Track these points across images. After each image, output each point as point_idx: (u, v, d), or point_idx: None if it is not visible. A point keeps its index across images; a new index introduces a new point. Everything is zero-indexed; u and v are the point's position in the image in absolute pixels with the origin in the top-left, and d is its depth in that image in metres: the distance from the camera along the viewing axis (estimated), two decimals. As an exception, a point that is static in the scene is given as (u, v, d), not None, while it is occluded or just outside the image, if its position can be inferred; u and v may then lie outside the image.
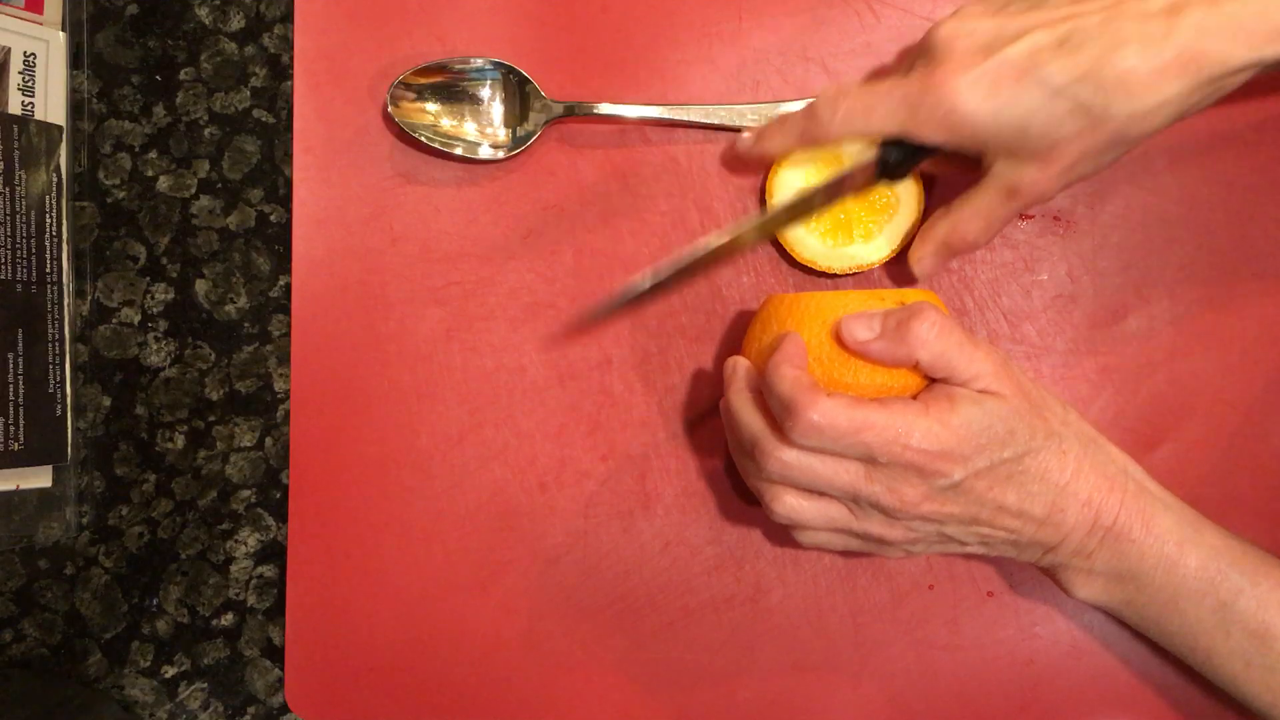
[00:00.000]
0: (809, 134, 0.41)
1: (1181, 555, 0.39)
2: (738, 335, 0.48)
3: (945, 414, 0.36)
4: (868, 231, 0.45)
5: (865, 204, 0.46)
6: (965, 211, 0.41)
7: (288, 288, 0.49)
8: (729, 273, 0.48)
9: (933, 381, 0.38)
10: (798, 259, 0.46)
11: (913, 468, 0.36)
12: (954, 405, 0.36)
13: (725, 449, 0.48)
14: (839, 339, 0.38)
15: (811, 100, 0.41)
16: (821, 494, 0.38)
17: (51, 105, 0.48)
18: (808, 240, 0.46)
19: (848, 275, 0.46)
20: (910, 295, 0.40)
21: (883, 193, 0.45)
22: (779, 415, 0.37)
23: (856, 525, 0.39)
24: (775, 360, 0.37)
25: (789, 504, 0.39)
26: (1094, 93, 0.36)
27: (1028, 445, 0.37)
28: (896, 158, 0.40)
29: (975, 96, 0.37)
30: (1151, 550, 0.39)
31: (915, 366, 0.38)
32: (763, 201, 0.47)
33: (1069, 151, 0.38)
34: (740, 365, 0.41)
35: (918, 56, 0.40)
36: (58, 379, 0.48)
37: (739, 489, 0.48)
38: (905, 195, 0.45)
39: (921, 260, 0.43)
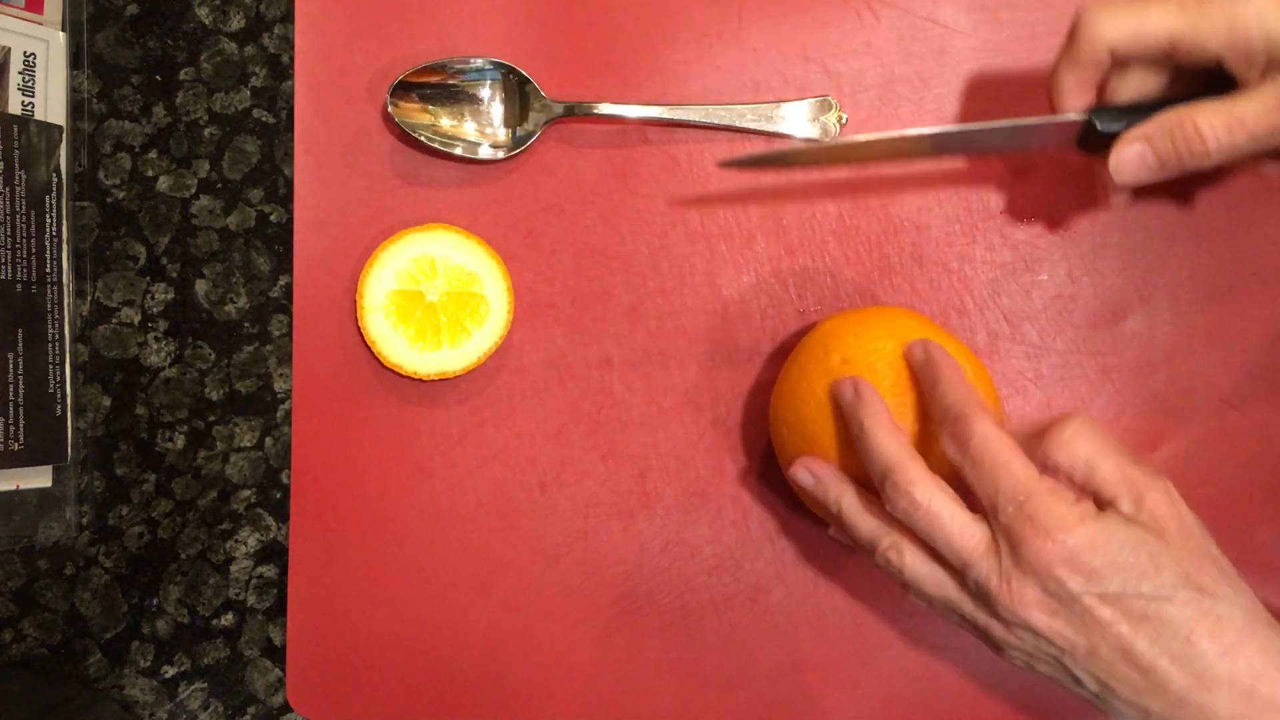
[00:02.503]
0: (1073, 37, 0.37)
1: None
2: (738, 336, 0.48)
3: (1086, 515, 0.32)
4: (457, 339, 0.46)
5: (460, 310, 0.46)
6: (1214, 115, 0.34)
7: (288, 288, 0.49)
8: (728, 272, 0.48)
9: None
10: (385, 362, 0.47)
11: (1028, 548, 0.31)
12: (1103, 515, 0.32)
13: (724, 449, 0.48)
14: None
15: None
16: (938, 559, 0.35)
17: (51, 105, 0.48)
18: (395, 344, 0.46)
19: (435, 380, 0.47)
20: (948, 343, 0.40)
21: (476, 300, 0.46)
22: (947, 421, 0.34)
23: (967, 607, 0.34)
24: (948, 375, 0.35)
25: (907, 559, 0.35)
26: None
27: (1173, 591, 0.31)
28: (1110, 128, 0.36)
29: None
30: None
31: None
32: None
33: None
34: (865, 388, 0.37)
35: None
36: (58, 379, 0.48)
37: (739, 489, 0.48)
38: (497, 303, 0.46)
39: (1134, 144, 0.36)
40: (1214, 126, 0.34)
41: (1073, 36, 0.37)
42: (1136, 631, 0.31)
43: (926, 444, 0.38)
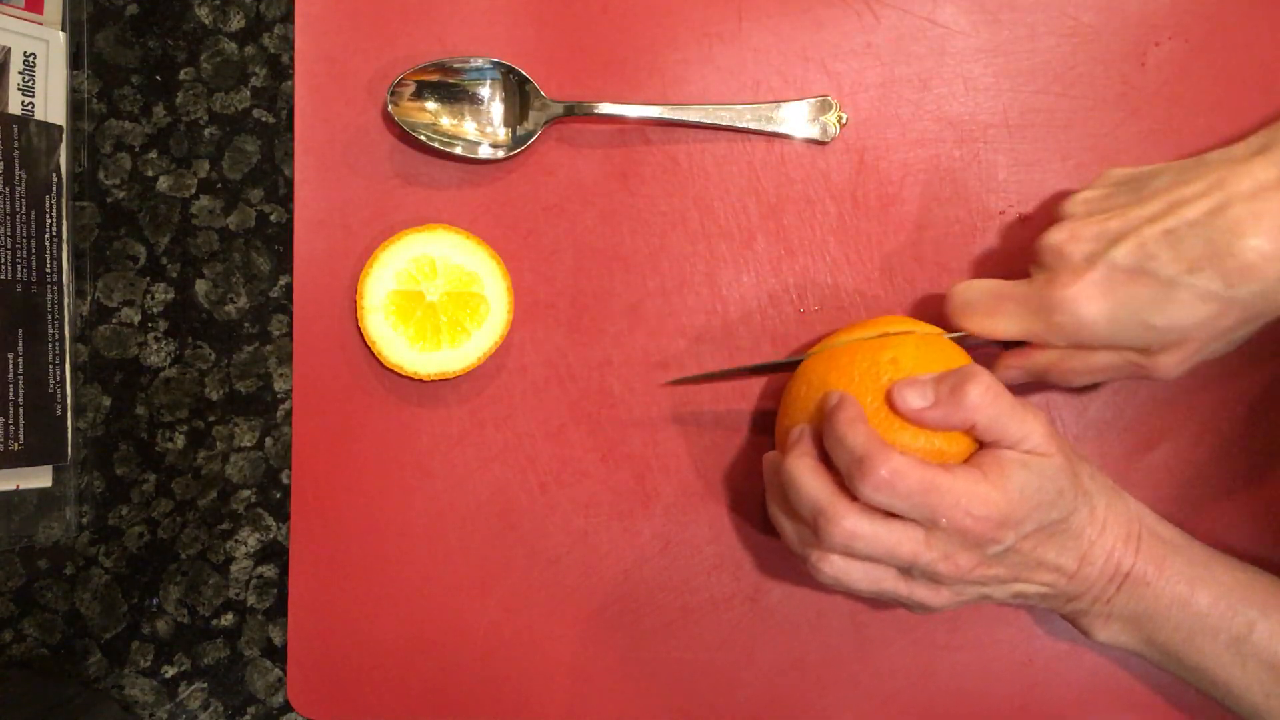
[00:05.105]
0: (948, 314, 0.43)
1: (1193, 594, 0.39)
2: (738, 336, 0.48)
3: (1001, 479, 0.36)
4: (457, 339, 0.46)
5: (460, 310, 0.46)
6: (1077, 363, 0.41)
7: (288, 288, 0.49)
8: (729, 272, 0.48)
9: (980, 444, 0.38)
10: (385, 362, 0.47)
11: (970, 535, 0.36)
12: (1007, 470, 0.36)
13: (725, 448, 0.48)
14: (891, 404, 0.38)
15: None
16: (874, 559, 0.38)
17: (51, 105, 0.48)
18: (395, 344, 0.47)
19: (436, 380, 0.47)
20: (931, 339, 0.41)
21: (476, 300, 0.46)
22: (849, 468, 0.36)
23: (903, 589, 0.38)
24: (847, 416, 0.37)
25: (838, 564, 0.38)
26: (1212, 278, 0.36)
27: (1073, 505, 0.38)
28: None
29: (1091, 305, 0.38)
30: (1165, 591, 0.39)
31: (969, 430, 0.38)
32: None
33: (1198, 336, 0.38)
34: (805, 433, 0.40)
35: (1031, 261, 0.41)
36: (58, 379, 0.48)
37: (739, 490, 0.48)
38: (497, 303, 0.46)
39: (1009, 371, 0.43)
40: (1076, 371, 0.41)
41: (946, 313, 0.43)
42: (1048, 547, 0.38)
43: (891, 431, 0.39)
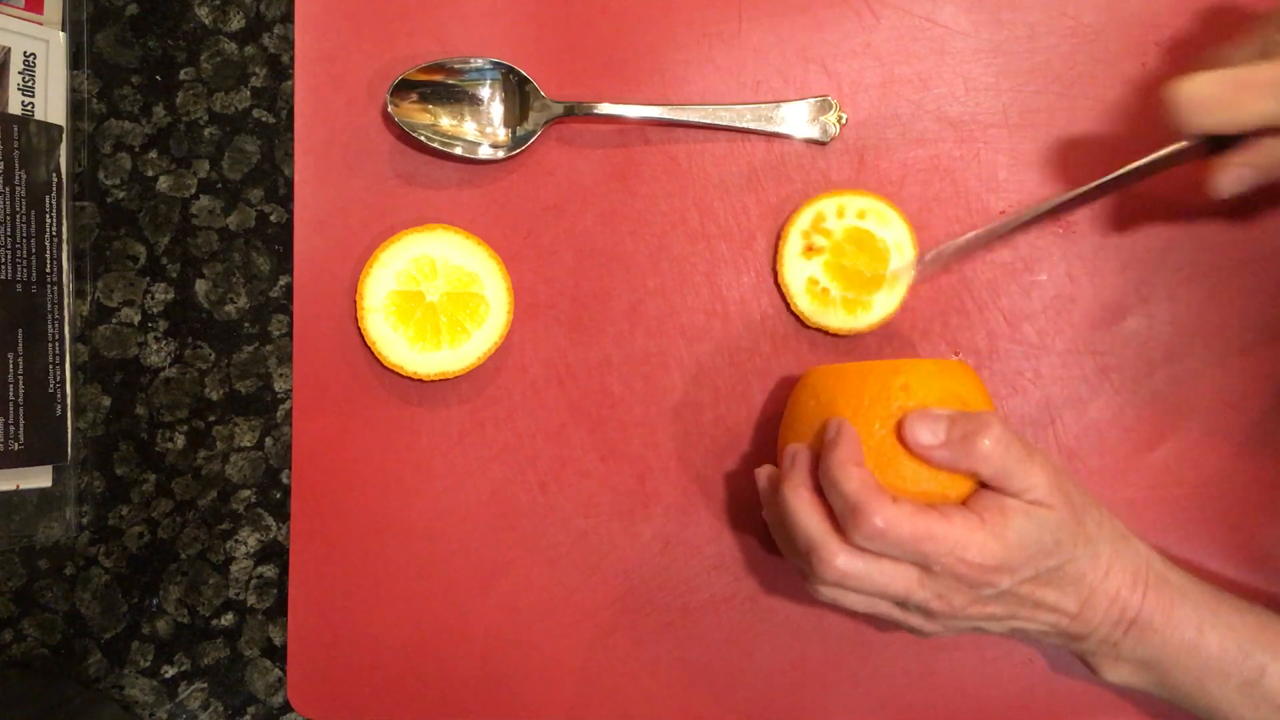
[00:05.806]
0: (1169, 120, 0.39)
1: (1202, 639, 0.39)
2: (737, 337, 0.48)
3: (1000, 527, 0.36)
4: (457, 339, 0.46)
5: (460, 310, 0.46)
6: None
7: (288, 288, 0.49)
8: (729, 272, 0.48)
9: (982, 485, 0.38)
10: (385, 362, 0.47)
11: (965, 579, 0.36)
12: (1007, 518, 0.36)
13: (725, 448, 0.48)
14: (899, 436, 0.38)
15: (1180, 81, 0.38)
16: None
17: (51, 105, 0.48)
18: (395, 345, 0.47)
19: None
20: (945, 365, 0.40)
21: (476, 300, 0.46)
22: (842, 514, 0.36)
23: (898, 616, 0.39)
24: (840, 458, 0.37)
25: (833, 592, 0.38)
26: None
27: (1071, 554, 0.38)
28: (1228, 141, 0.39)
29: None
30: (1173, 638, 0.39)
31: (973, 475, 0.38)
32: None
33: None
34: (800, 457, 0.40)
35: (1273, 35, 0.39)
36: (58, 379, 0.48)
37: (739, 490, 0.48)
38: (497, 303, 0.47)
39: (1239, 170, 0.39)
40: None
41: (1169, 119, 0.39)
42: (1047, 590, 0.38)
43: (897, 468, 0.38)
